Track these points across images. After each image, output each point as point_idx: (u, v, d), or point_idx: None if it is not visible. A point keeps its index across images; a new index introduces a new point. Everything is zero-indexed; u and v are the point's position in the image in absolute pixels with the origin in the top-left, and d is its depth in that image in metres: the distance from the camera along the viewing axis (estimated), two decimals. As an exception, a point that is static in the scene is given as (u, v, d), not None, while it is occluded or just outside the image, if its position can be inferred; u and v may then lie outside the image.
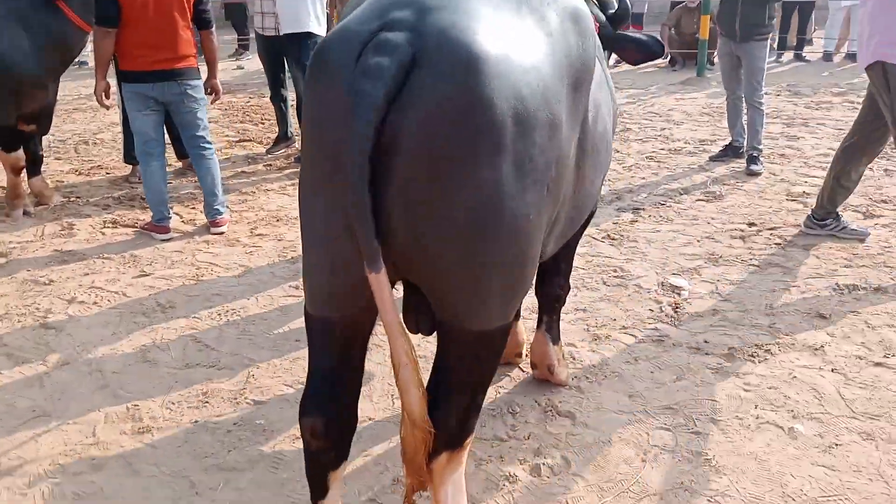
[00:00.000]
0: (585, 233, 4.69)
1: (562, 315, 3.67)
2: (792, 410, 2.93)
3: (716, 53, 7.22)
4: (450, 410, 1.88)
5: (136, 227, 4.98)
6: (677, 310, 3.75)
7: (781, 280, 4.03)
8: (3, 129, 4.97)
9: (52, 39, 4.88)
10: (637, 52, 3.13)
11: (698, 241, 4.62)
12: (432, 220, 1.65)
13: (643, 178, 5.89)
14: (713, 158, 6.22)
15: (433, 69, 1.56)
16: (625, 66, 10.71)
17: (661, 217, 5.04)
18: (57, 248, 4.67)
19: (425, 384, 1.82)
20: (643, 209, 5.20)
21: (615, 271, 4.22)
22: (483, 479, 2.61)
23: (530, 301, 3.29)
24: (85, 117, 8.44)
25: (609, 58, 3.36)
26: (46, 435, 2.90)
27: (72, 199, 5.59)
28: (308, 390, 1.97)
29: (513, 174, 1.65)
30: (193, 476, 2.66)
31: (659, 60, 10.72)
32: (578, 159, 2.05)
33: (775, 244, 4.51)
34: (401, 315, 1.87)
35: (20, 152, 5.13)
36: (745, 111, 5.97)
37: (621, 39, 3.10)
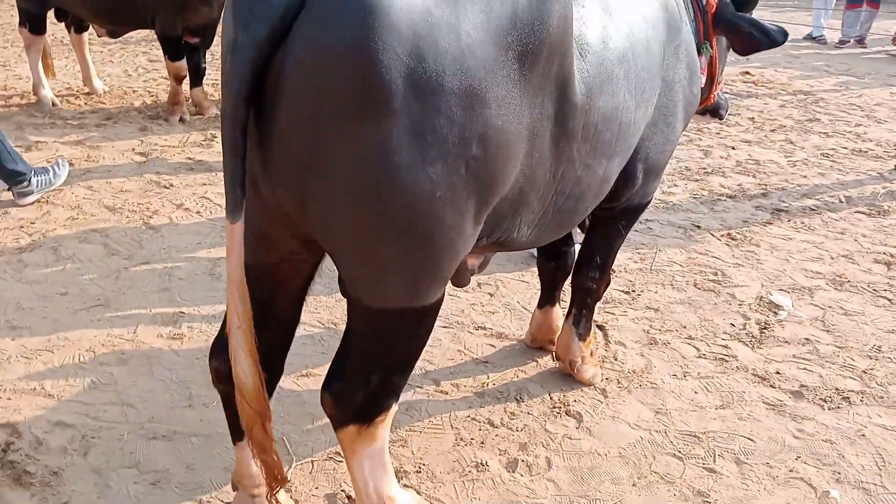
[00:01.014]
0: (702, 226, 4.32)
1: (629, 311, 3.41)
2: (838, 472, 2.48)
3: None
4: (353, 385, 1.79)
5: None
6: (764, 330, 3.30)
7: (910, 321, 3.40)
8: (169, 40, 5.40)
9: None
10: (754, 40, 2.73)
11: (832, 258, 4.01)
12: (317, 181, 1.53)
13: (804, 177, 5.19)
14: None
15: (320, 13, 1.42)
16: (853, 50, 9.46)
17: (802, 224, 4.43)
18: (191, 157, 5.04)
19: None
20: (786, 212, 4.60)
21: (714, 274, 3.78)
22: (452, 459, 2.49)
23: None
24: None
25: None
26: (97, 322, 3.17)
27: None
28: (219, 333, 1.95)
29: (407, 143, 1.47)
30: (195, 389, 2.78)
31: (892, 46, 9.37)
32: (558, 140, 1.81)
33: (926, 278, 3.80)
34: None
35: (184, 62, 5.54)
36: None
37: (738, 23, 2.71)
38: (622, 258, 3.91)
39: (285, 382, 2.81)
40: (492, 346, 3.14)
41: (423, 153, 1.49)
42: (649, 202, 2.68)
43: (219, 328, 2.00)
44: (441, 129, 1.49)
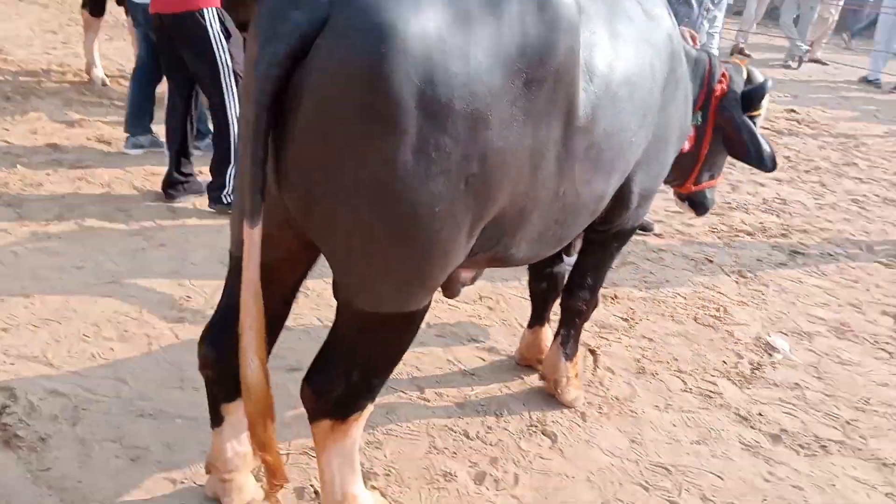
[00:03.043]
0: (715, 261, 4.31)
1: (623, 338, 3.45)
2: (802, 521, 2.49)
3: None
4: (334, 381, 1.88)
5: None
6: (755, 371, 3.29)
7: (906, 377, 3.36)
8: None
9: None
10: (744, 150, 2.86)
11: (839, 305, 3.97)
12: (325, 188, 1.63)
13: (829, 221, 5.14)
14: None
15: (341, 33, 1.52)
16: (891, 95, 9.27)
17: (816, 269, 4.39)
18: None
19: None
20: (803, 254, 4.56)
21: (717, 310, 3.79)
22: (422, 466, 2.56)
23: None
24: None
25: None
26: (107, 298, 3.32)
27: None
28: (210, 321, 2.06)
29: (412, 158, 1.57)
30: (188, 371, 2.90)
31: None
32: (562, 160, 1.89)
33: (933, 336, 3.75)
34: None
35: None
36: None
37: (739, 124, 2.82)
38: (627, 284, 3.94)
39: (275, 375, 2.90)
40: (481, 359, 3.20)
41: (427, 169, 1.59)
42: (639, 225, 2.74)
43: (214, 310, 2.10)
44: (445, 148, 1.59)
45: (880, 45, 9.85)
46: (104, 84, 6.26)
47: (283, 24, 1.55)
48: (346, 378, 1.88)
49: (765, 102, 3.01)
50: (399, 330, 1.90)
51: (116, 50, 7.26)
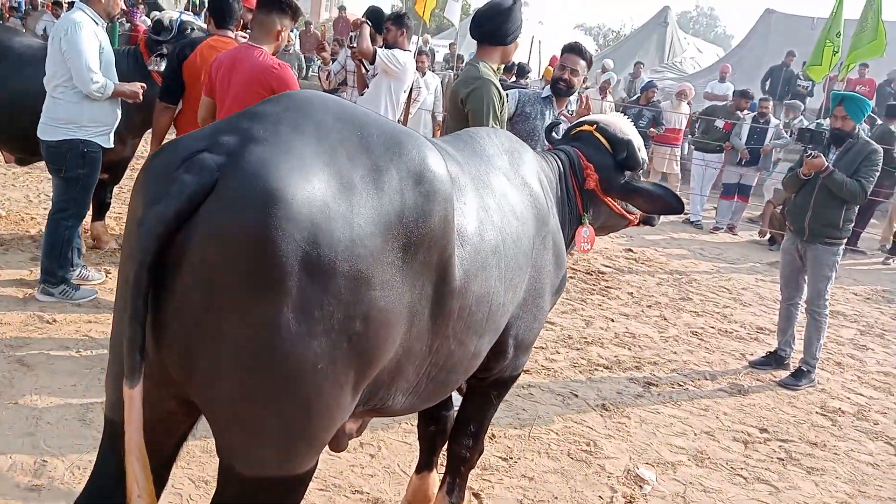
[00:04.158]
0: (579, 395, 4.53)
1: (505, 479, 3.50)
2: None
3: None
4: None
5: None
6: (629, 504, 3.44)
7: (761, 501, 3.63)
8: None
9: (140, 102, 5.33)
10: (648, 203, 3.08)
11: (695, 434, 4.27)
12: (205, 347, 1.61)
13: (674, 353, 5.58)
14: (753, 365, 5.53)
15: (227, 198, 1.56)
16: (724, 237, 10.39)
17: (669, 398, 4.72)
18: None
19: None
20: (656, 385, 4.90)
21: (587, 445, 3.95)
22: None
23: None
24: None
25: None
26: (-51, 467, 2.98)
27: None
28: (81, 496, 1.92)
29: (295, 318, 1.59)
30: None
31: (758, 237, 10.35)
32: (435, 318, 1.97)
33: (778, 459, 4.09)
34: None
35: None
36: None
37: (631, 188, 3.06)
38: (502, 422, 4.04)
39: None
40: (367, 510, 3.14)
41: (310, 328, 1.62)
42: (519, 374, 2.86)
43: (85, 483, 1.96)
44: (328, 307, 1.63)
45: (696, 189, 11.12)
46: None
47: (172, 185, 1.58)
48: None
49: (641, 150, 3.15)
50: (285, 494, 1.83)
51: None
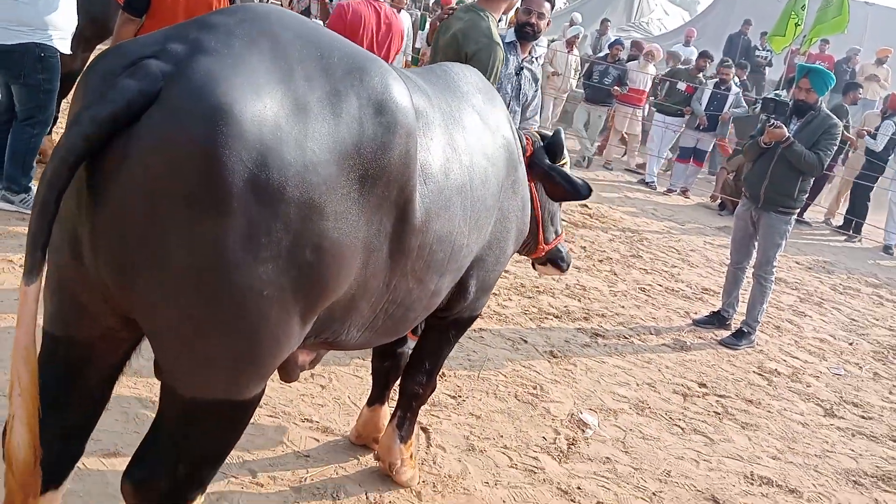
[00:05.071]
0: (529, 342, 4.61)
1: (453, 415, 3.55)
2: (622, 588, 2.68)
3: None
4: (158, 474, 1.73)
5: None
6: (571, 446, 3.54)
7: (697, 451, 3.77)
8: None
9: (92, 12, 5.08)
10: (563, 189, 3.07)
11: (638, 384, 4.39)
12: (146, 264, 1.55)
13: (622, 307, 5.69)
14: (697, 323, 5.70)
15: (171, 108, 1.48)
16: (677, 199, 10.56)
17: (615, 350, 4.84)
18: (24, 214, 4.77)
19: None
20: (603, 337, 5.00)
21: (534, 388, 4.03)
22: (259, 554, 2.45)
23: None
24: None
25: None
26: None
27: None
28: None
29: (241, 242, 1.53)
30: None
31: (709, 201, 10.55)
32: (393, 255, 1.94)
33: (714, 413, 4.25)
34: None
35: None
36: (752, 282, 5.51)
37: (551, 173, 3.04)
38: (453, 363, 4.08)
39: (90, 460, 2.68)
40: (316, 440, 3.15)
41: (256, 253, 1.55)
42: (478, 315, 2.87)
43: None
44: (276, 234, 1.57)
45: (653, 151, 11.24)
46: None
47: (112, 89, 1.49)
48: (172, 471, 1.74)
49: (565, 153, 3.17)
50: (229, 418, 1.79)
51: None
